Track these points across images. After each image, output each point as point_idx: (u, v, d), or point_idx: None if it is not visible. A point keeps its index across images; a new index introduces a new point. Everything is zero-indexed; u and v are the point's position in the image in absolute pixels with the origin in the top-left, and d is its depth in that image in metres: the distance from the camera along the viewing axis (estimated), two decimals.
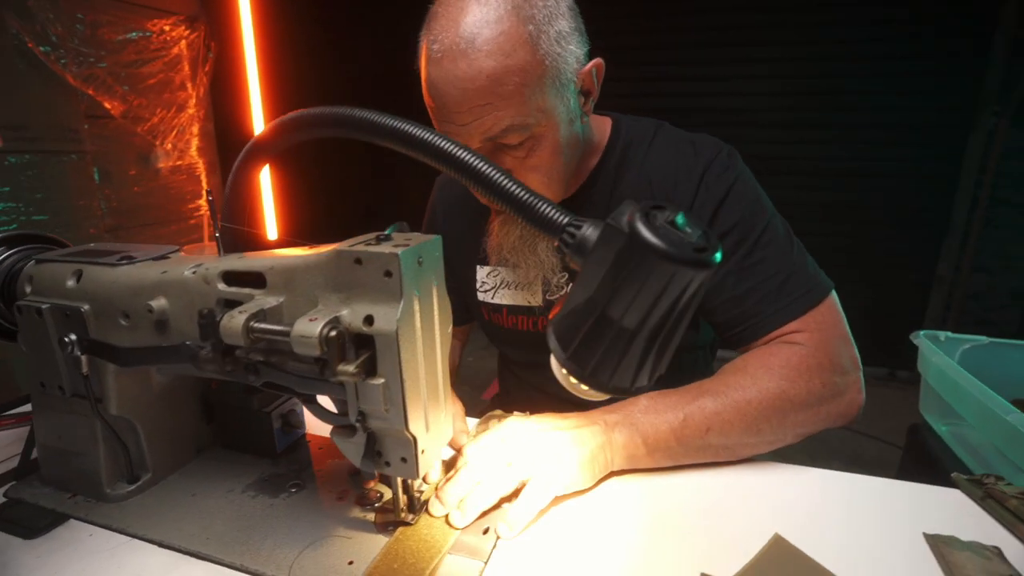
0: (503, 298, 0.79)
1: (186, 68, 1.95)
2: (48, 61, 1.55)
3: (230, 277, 0.48)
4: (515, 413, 0.64)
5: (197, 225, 1.98)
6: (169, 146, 1.83)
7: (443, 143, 0.38)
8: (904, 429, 1.00)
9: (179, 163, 1.94)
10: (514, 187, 0.37)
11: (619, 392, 0.37)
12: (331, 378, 0.41)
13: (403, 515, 0.51)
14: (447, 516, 0.51)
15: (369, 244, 0.42)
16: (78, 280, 0.53)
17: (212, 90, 2.01)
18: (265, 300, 0.45)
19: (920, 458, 0.88)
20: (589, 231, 0.35)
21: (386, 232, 0.43)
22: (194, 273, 0.49)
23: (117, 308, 0.52)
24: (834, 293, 0.64)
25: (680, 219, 0.33)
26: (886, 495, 0.57)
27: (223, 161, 2.08)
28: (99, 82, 1.69)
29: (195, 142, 2.00)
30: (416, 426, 0.44)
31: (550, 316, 0.40)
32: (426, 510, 0.52)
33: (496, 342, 0.87)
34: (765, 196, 0.68)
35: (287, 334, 0.40)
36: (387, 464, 0.46)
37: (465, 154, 0.38)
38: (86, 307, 0.52)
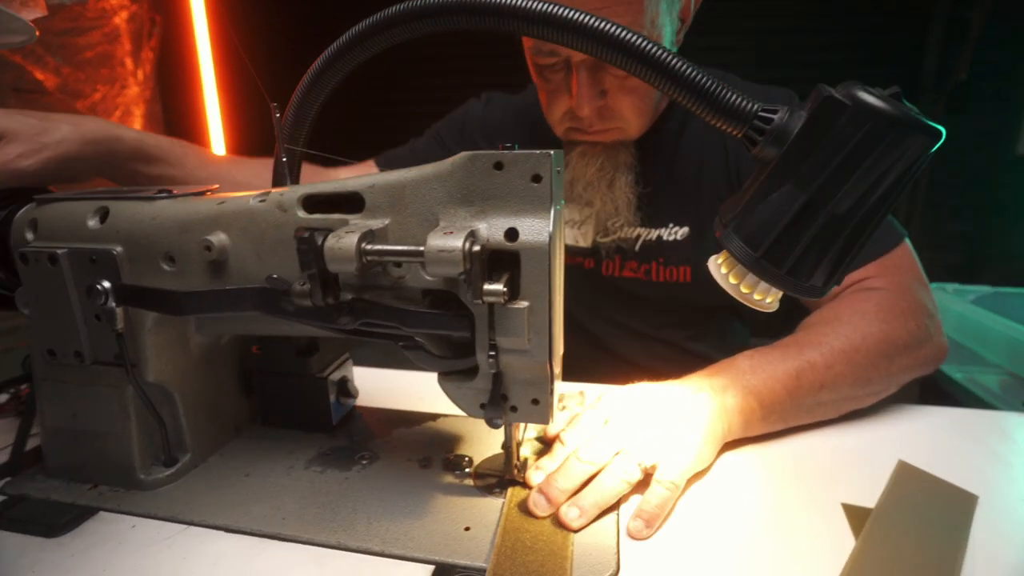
0: None
1: (127, 42, 1.77)
2: None
3: (313, 202, 0.40)
4: (581, 391, 0.58)
5: None
6: None
7: (596, 23, 0.33)
8: (916, 385, 1.04)
9: None
10: (692, 71, 0.33)
11: (811, 294, 0.33)
12: (473, 301, 0.35)
13: (516, 473, 0.45)
14: (557, 515, 0.41)
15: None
16: (103, 219, 0.44)
17: (160, 69, 1.83)
18: (364, 224, 0.38)
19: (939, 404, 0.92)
20: (786, 116, 0.32)
21: (508, 144, 0.38)
22: (262, 202, 0.41)
23: (159, 250, 0.43)
24: (908, 241, 0.64)
25: (899, 95, 0.30)
26: (977, 422, 0.57)
27: None
28: (26, 51, 1.49)
29: (139, 124, 1.82)
30: (555, 360, 0.39)
31: (720, 219, 0.36)
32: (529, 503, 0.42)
33: None
34: None
35: (417, 253, 0.34)
36: (513, 409, 0.40)
37: (629, 35, 0.33)
38: (119, 249, 0.43)
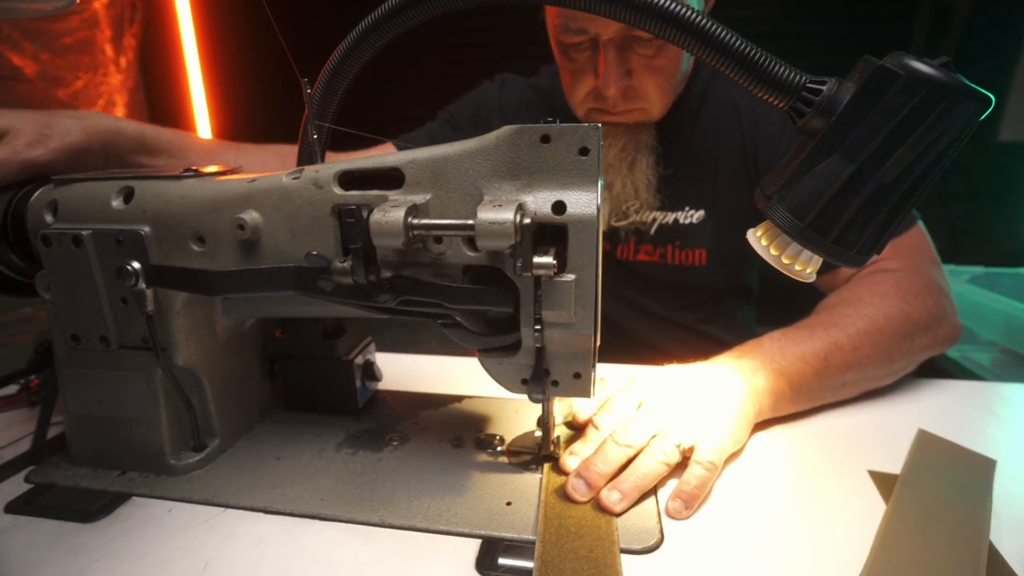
0: None
1: (107, 28, 1.71)
2: None
3: (350, 179, 0.40)
4: (602, 378, 0.58)
5: None
6: None
7: None
8: None
9: None
10: (739, 41, 0.33)
11: (854, 263, 0.34)
12: (523, 273, 0.35)
13: (552, 448, 0.45)
14: (598, 499, 0.40)
15: None
16: (127, 199, 0.43)
17: (143, 57, 1.78)
18: (406, 200, 0.38)
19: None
20: (836, 87, 0.32)
21: (549, 119, 0.37)
22: (296, 179, 0.41)
23: (188, 230, 0.42)
24: (922, 222, 0.66)
25: (950, 64, 0.30)
26: (988, 393, 0.59)
27: None
28: (2, 35, 1.44)
29: (122, 113, 1.77)
30: (597, 334, 0.39)
31: (763, 191, 0.36)
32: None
33: None
34: None
35: (467, 227, 0.34)
36: (555, 384, 0.41)
37: (673, 4, 0.33)
38: (146, 229, 0.42)
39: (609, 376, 0.58)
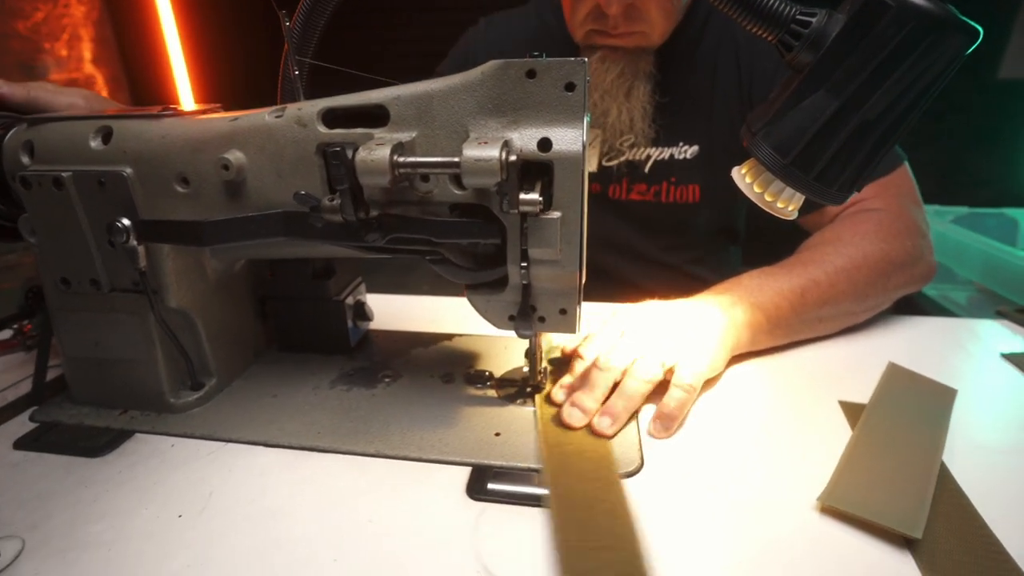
0: None
1: None
2: None
3: (334, 116, 0.39)
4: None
5: None
6: (64, 52, 1.51)
7: None
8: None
9: (75, 75, 1.62)
10: None
11: (837, 200, 0.35)
12: (509, 211, 0.35)
13: (539, 380, 0.47)
14: (590, 425, 0.43)
15: None
16: (106, 140, 0.42)
17: None
18: (392, 138, 0.37)
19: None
20: (825, 20, 0.31)
21: (536, 53, 0.37)
22: (279, 117, 0.40)
23: (171, 171, 0.41)
24: (907, 164, 0.66)
25: None
26: (955, 328, 0.62)
27: (129, 75, 1.77)
28: None
29: (90, 50, 1.68)
30: (582, 271, 0.40)
31: (748, 127, 0.36)
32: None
33: None
34: None
35: (453, 164, 0.34)
36: (542, 320, 0.42)
37: None
38: (128, 171, 0.41)
39: (592, 313, 0.60)
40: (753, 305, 0.52)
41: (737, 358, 0.53)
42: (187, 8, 1.85)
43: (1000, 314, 0.64)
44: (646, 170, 0.75)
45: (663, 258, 0.83)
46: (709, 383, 0.49)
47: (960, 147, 2.26)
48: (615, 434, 0.42)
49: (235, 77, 1.90)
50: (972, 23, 0.29)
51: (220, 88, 1.95)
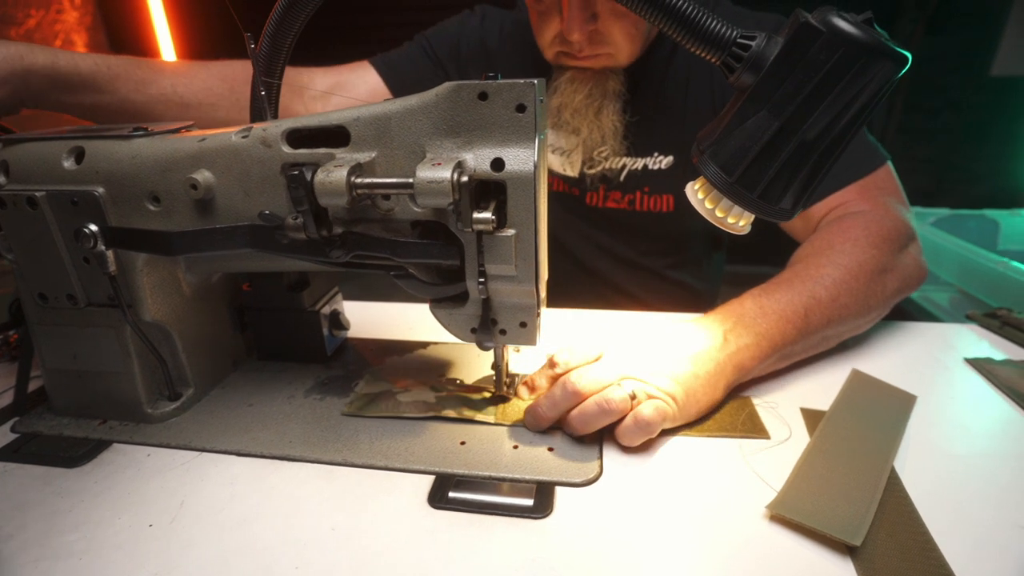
0: None
1: None
2: None
3: (297, 137, 0.40)
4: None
5: None
6: None
7: None
8: None
9: None
10: None
11: (781, 217, 0.36)
12: (463, 229, 0.36)
13: (505, 391, 0.48)
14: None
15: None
16: (79, 159, 0.43)
17: None
18: (351, 158, 0.38)
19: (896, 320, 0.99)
20: (765, 43, 0.32)
21: (491, 74, 0.37)
22: (245, 137, 0.41)
23: (143, 190, 0.43)
24: (891, 163, 0.66)
25: (872, 20, 0.31)
26: (923, 333, 0.63)
27: None
28: None
29: None
30: (541, 285, 0.41)
31: (698, 146, 0.37)
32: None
33: None
34: None
35: (407, 185, 0.35)
36: (503, 332, 0.43)
37: None
38: (100, 190, 0.42)
39: (583, 322, 0.61)
40: (759, 335, 0.49)
41: None
42: (181, 13, 1.86)
43: (969, 318, 0.65)
44: (621, 179, 0.76)
45: (643, 262, 0.84)
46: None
47: (956, 144, 2.27)
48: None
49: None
50: (901, 50, 0.30)
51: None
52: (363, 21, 2.05)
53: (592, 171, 0.76)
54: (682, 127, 0.73)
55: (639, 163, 0.75)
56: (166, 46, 1.85)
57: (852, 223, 0.59)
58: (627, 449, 0.44)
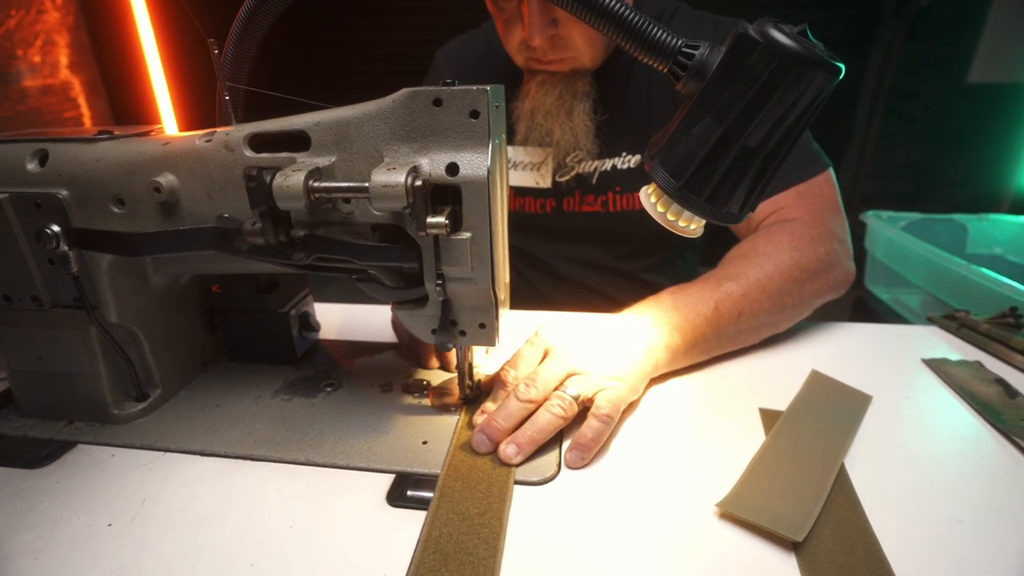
0: (511, 179, 0.77)
1: None
2: None
3: (259, 141, 0.41)
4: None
5: None
6: (37, 58, 1.51)
7: None
8: (848, 305, 1.13)
9: (51, 81, 1.62)
10: (618, 5, 0.34)
11: (729, 220, 0.37)
12: (418, 233, 0.37)
13: (468, 392, 0.49)
14: (497, 453, 0.43)
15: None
16: (42, 162, 0.43)
17: None
18: (311, 162, 0.39)
19: (868, 322, 1.01)
20: (708, 52, 0.33)
21: (448, 80, 0.38)
22: (208, 141, 0.42)
23: (107, 192, 0.43)
24: (832, 171, 0.68)
25: (808, 31, 0.32)
26: (884, 335, 0.64)
27: (107, 81, 1.77)
28: None
29: (66, 55, 1.68)
30: (499, 286, 0.42)
31: (649, 151, 0.38)
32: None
33: None
34: None
35: (363, 189, 0.36)
36: (462, 334, 0.44)
37: None
38: (64, 193, 0.43)
39: (522, 323, 0.61)
40: (671, 326, 0.53)
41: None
42: (164, 12, 1.86)
43: (930, 320, 0.67)
44: (593, 181, 0.77)
45: (619, 266, 0.85)
46: (630, 405, 0.49)
47: (934, 149, 2.31)
48: (520, 463, 0.42)
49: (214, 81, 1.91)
50: (834, 62, 0.31)
51: (199, 93, 1.95)
52: (344, 24, 2.05)
53: (564, 178, 0.77)
54: (647, 127, 0.75)
55: (608, 163, 0.76)
56: (149, 47, 1.84)
57: (779, 229, 0.63)
58: (581, 467, 0.43)
